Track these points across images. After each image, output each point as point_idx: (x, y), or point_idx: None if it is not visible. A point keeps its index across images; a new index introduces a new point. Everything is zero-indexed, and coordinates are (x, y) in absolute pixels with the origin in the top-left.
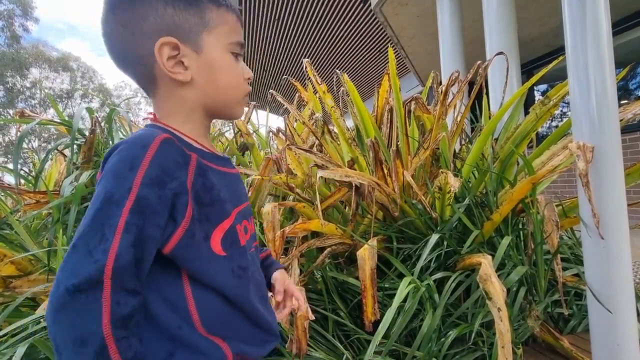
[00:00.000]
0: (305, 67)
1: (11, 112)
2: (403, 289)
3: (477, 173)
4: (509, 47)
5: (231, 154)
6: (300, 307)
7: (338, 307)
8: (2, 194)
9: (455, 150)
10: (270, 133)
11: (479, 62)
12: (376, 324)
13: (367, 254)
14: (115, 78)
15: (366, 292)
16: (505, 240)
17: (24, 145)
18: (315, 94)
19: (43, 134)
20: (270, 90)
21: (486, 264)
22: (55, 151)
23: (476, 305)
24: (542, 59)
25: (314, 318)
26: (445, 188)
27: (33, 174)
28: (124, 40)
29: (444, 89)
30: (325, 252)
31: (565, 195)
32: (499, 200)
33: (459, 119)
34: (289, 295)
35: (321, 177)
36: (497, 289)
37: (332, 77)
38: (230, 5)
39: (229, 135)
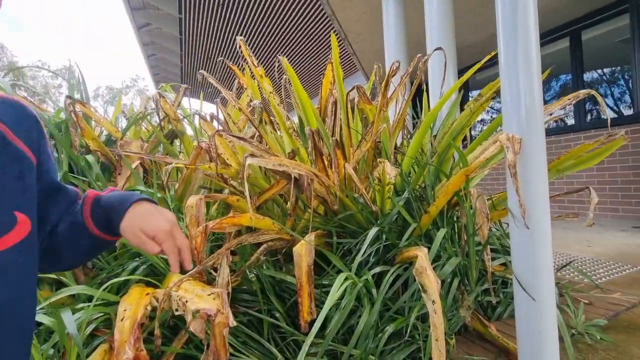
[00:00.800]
0: (239, 47)
1: None
2: (338, 285)
3: (417, 167)
4: (448, 49)
5: (157, 143)
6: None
7: (275, 307)
8: None
9: (396, 144)
10: (197, 117)
11: (419, 55)
12: (313, 324)
13: (303, 250)
14: (31, 56)
15: (302, 291)
16: (441, 233)
17: None
18: (253, 79)
19: None
20: (200, 71)
21: (422, 256)
22: None
23: (413, 298)
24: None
25: (234, 324)
26: (384, 179)
27: None
28: None
29: (385, 80)
30: (261, 248)
31: (495, 190)
32: (436, 194)
33: (400, 112)
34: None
35: (253, 165)
36: (432, 282)
37: (275, 65)
38: None
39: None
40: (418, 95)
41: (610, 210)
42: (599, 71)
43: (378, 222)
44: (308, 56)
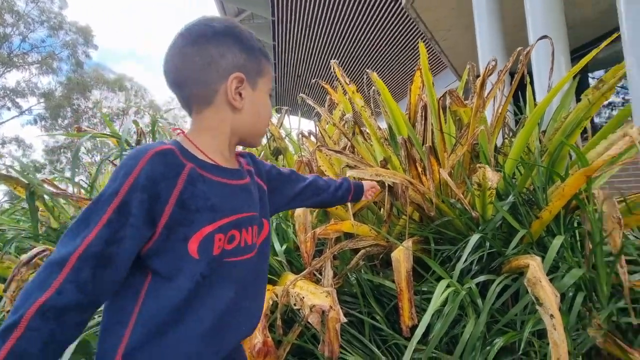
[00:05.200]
0: (333, 69)
1: None
2: (440, 292)
3: (523, 168)
4: (556, 30)
5: (265, 159)
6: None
7: (374, 310)
8: (65, 201)
9: (497, 145)
10: (301, 136)
11: (519, 48)
12: (415, 329)
13: (402, 256)
14: (164, 95)
15: (402, 296)
16: (557, 241)
17: (88, 159)
18: (345, 95)
19: (104, 149)
20: (300, 95)
21: (535, 265)
22: (108, 162)
23: (525, 311)
24: (596, 42)
25: (345, 320)
26: (484, 184)
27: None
28: (196, 67)
29: (480, 79)
30: (359, 254)
31: (632, 190)
32: (549, 197)
33: (499, 111)
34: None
35: (351, 177)
36: (548, 294)
37: (364, 78)
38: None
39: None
40: (520, 88)
41: None
42: None
43: (479, 228)
44: (392, 58)
